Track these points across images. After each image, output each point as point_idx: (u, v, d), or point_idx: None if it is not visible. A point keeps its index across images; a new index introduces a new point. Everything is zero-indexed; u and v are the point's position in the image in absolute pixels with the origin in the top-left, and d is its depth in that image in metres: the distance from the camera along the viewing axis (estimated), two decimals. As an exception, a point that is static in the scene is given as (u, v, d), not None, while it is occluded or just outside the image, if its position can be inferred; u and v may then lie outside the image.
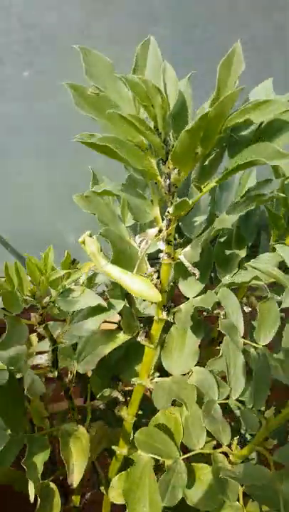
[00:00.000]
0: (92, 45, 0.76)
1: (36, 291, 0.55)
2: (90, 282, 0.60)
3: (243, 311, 0.70)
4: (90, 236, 0.56)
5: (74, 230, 0.84)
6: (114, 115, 0.45)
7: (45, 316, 0.58)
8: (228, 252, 0.63)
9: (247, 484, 0.60)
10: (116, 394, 0.69)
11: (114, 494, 0.69)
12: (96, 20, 0.77)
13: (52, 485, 0.64)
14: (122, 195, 0.52)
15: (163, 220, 0.54)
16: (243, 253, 0.62)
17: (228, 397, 0.61)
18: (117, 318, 0.67)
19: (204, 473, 0.64)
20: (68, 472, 0.57)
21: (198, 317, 0.65)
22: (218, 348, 0.69)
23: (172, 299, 0.66)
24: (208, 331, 0.71)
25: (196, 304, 0.58)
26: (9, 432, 0.57)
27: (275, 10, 0.82)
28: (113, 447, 0.70)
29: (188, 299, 0.64)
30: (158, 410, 0.66)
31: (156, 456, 0.63)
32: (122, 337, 0.63)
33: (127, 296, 0.64)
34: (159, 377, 0.65)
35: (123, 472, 0.69)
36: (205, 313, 0.68)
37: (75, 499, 0.71)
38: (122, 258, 0.57)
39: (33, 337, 0.70)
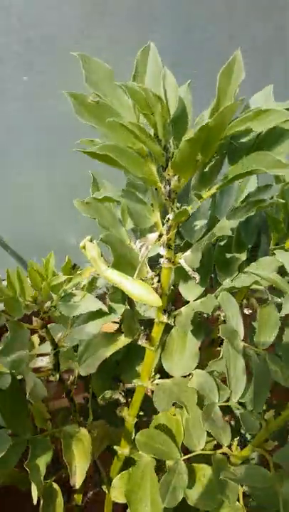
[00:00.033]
0: (91, 45, 0.77)
1: (38, 296, 0.55)
2: (91, 286, 0.61)
3: (244, 313, 0.71)
4: (91, 241, 0.56)
5: (74, 230, 0.84)
6: (115, 123, 0.45)
7: (46, 320, 0.59)
8: (228, 255, 0.63)
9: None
10: (117, 395, 0.69)
11: (116, 493, 0.70)
12: (96, 20, 0.77)
13: (55, 485, 0.65)
14: (122, 201, 0.52)
15: (163, 224, 0.55)
16: (243, 256, 0.63)
17: (228, 400, 0.62)
18: (118, 317, 0.68)
19: (205, 473, 0.65)
20: (71, 474, 0.58)
21: (199, 319, 0.65)
22: (218, 348, 0.70)
23: (173, 299, 0.67)
24: (208, 331, 0.72)
25: (196, 308, 0.59)
26: (11, 433, 0.58)
27: (275, 10, 0.82)
28: (115, 447, 0.71)
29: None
30: (159, 410, 0.67)
31: (157, 457, 0.64)
32: (123, 340, 0.63)
33: (127, 298, 0.65)
34: (159, 378, 0.66)
35: (125, 472, 0.70)
36: (205, 315, 0.69)
37: (78, 498, 0.72)
38: (123, 262, 0.58)
39: (35, 338, 0.71)
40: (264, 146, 0.49)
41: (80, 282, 0.58)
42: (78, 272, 0.57)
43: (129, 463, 0.72)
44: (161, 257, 0.56)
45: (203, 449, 0.65)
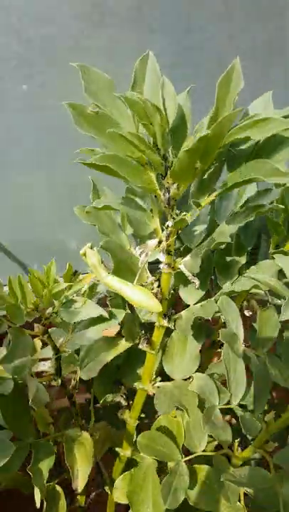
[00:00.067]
0: (91, 45, 0.78)
1: (39, 303, 0.56)
2: (92, 292, 0.61)
3: (244, 314, 0.72)
4: (91, 248, 0.57)
5: (75, 231, 0.85)
6: (114, 134, 0.46)
7: (48, 326, 0.59)
8: (228, 258, 0.64)
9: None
10: (118, 398, 0.70)
11: (118, 494, 0.71)
12: (96, 20, 0.77)
13: (58, 488, 0.66)
14: (122, 208, 0.53)
15: (163, 230, 0.56)
16: (243, 260, 0.64)
17: (229, 402, 0.63)
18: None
19: (206, 474, 0.66)
20: (73, 478, 0.59)
21: (199, 321, 0.66)
22: (219, 350, 0.71)
23: (173, 303, 0.68)
24: (209, 333, 0.73)
25: (196, 312, 0.60)
26: (13, 437, 0.59)
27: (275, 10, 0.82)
28: (117, 449, 0.72)
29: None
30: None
31: (158, 459, 0.65)
32: (124, 344, 0.64)
33: (128, 303, 0.65)
34: (161, 381, 0.67)
35: (127, 473, 0.71)
36: (206, 317, 0.69)
37: (81, 499, 0.73)
38: (123, 268, 0.59)
39: (37, 341, 0.72)
40: (263, 153, 0.49)
41: (81, 288, 0.59)
42: (79, 279, 0.58)
43: (131, 464, 0.73)
44: (161, 262, 0.57)
45: (204, 450, 0.66)
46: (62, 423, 0.73)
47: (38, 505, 0.58)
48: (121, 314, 0.62)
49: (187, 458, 0.65)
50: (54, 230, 0.82)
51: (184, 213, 0.53)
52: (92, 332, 0.61)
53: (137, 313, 0.65)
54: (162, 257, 0.56)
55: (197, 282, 0.57)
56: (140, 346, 0.63)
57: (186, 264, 0.57)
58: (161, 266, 0.57)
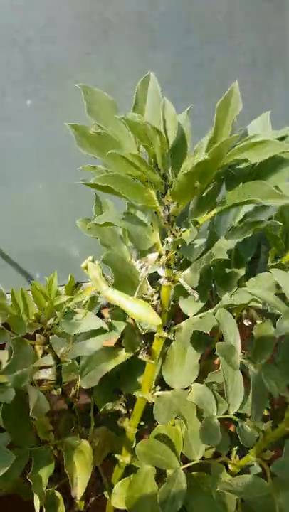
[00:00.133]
0: (93, 61, 0.80)
1: (41, 314, 0.59)
2: (92, 303, 0.64)
3: (243, 324, 0.74)
4: (92, 261, 0.60)
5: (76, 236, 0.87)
6: (115, 155, 0.48)
7: (49, 336, 0.62)
8: (227, 270, 0.66)
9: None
10: (118, 406, 0.73)
11: (117, 500, 0.73)
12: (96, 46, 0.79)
13: (57, 493, 0.68)
14: (123, 224, 0.55)
15: (163, 244, 0.58)
16: (242, 272, 0.66)
17: (227, 412, 0.65)
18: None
19: (204, 482, 0.68)
20: (72, 485, 0.62)
21: (199, 333, 0.68)
22: (218, 359, 0.73)
23: (173, 314, 0.70)
24: (208, 342, 0.75)
25: (196, 325, 0.62)
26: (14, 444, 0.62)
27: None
28: (116, 456, 0.75)
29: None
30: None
31: (157, 466, 0.67)
32: (124, 355, 0.67)
33: (128, 314, 0.68)
34: (160, 389, 0.70)
35: (126, 479, 0.74)
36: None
37: (80, 504, 0.76)
38: (124, 280, 0.61)
39: (38, 348, 0.74)
40: (261, 174, 0.52)
41: (82, 300, 0.62)
42: (80, 291, 0.60)
43: (130, 469, 0.76)
44: (161, 276, 0.59)
45: (202, 458, 0.68)
46: (62, 427, 0.75)
47: (37, 511, 0.60)
48: (121, 326, 0.64)
49: (185, 466, 0.68)
50: (56, 238, 0.84)
51: (184, 229, 0.56)
52: (93, 343, 0.63)
53: (137, 324, 0.67)
54: (162, 272, 0.59)
55: (196, 295, 0.60)
56: (140, 357, 0.65)
57: (186, 278, 0.60)
58: (160, 280, 0.59)
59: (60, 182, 0.80)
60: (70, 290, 0.60)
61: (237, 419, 0.66)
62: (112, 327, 0.64)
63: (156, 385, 0.70)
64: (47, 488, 0.63)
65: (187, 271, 0.60)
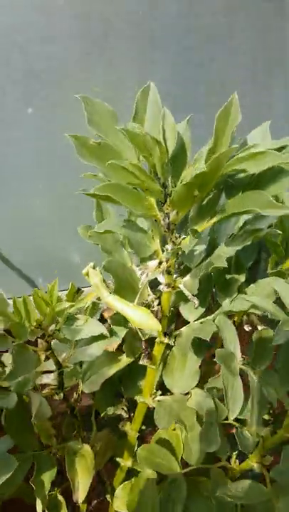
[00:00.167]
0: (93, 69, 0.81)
1: (43, 321, 0.60)
2: (94, 309, 0.65)
3: (244, 330, 0.75)
4: (94, 268, 0.60)
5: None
6: (115, 165, 0.49)
7: (51, 341, 0.63)
8: (227, 276, 0.67)
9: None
10: (120, 411, 0.74)
11: (119, 503, 0.74)
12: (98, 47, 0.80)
13: (59, 497, 0.70)
14: (123, 232, 0.56)
15: (163, 251, 0.59)
16: (242, 278, 0.67)
17: (226, 418, 0.66)
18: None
19: (204, 486, 0.69)
20: (74, 490, 0.63)
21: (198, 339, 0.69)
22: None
23: (174, 320, 0.71)
24: (209, 346, 0.76)
25: (195, 333, 0.63)
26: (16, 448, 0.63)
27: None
28: (118, 459, 0.76)
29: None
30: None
31: (157, 471, 0.68)
32: (125, 360, 0.68)
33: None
34: (161, 394, 0.70)
35: (127, 482, 0.75)
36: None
37: (82, 507, 0.77)
38: (125, 286, 0.62)
39: (41, 353, 0.75)
40: (260, 183, 0.52)
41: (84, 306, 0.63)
42: (81, 298, 0.61)
43: (132, 473, 0.77)
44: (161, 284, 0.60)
45: (202, 463, 0.69)
46: (64, 431, 0.76)
47: (39, 513, 0.62)
48: (122, 332, 0.65)
49: (185, 470, 0.69)
50: (58, 243, 0.85)
51: (184, 237, 0.57)
52: (94, 348, 0.64)
53: (137, 330, 0.68)
54: (162, 279, 0.59)
55: (196, 302, 0.60)
56: (141, 362, 0.66)
57: (186, 285, 0.61)
58: (161, 287, 0.60)
59: (61, 181, 0.80)
60: (72, 296, 0.61)
61: (236, 425, 0.67)
62: (113, 333, 0.65)
63: (157, 390, 0.71)
64: (50, 491, 0.64)
65: (187, 277, 0.61)
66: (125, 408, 0.75)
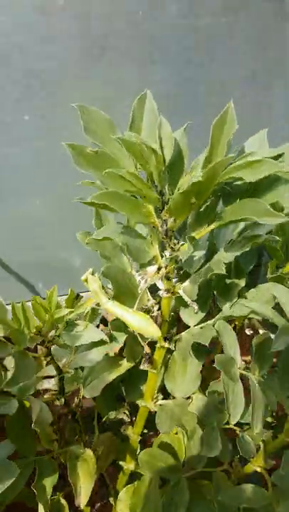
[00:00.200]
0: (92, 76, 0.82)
1: (42, 327, 0.60)
2: (93, 315, 0.65)
3: (245, 333, 0.75)
4: (92, 274, 0.61)
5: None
6: (112, 174, 0.49)
7: (50, 347, 0.63)
8: (227, 281, 0.67)
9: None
10: (121, 415, 0.75)
11: (122, 506, 0.75)
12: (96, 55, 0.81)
13: (62, 501, 0.70)
14: (122, 238, 0.57)
15: (162, 257, 0.59)
16: (242, 283, 0.67)
17: (227, 422, 0.66)
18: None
19: (206, 490, 0.70)
20: (76, 494, 0.63)
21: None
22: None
23: (174, 324, 0.72)
24: (210, 350, 0.76)
25: (195, 338, 0.63)
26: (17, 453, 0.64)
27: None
28: (120, 463, 0.77)
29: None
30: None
31: (159, 475, 0.69)
32: (126, 365, 0.68)
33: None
34: (163, 398, 0.71)
35: (130, 485, 0.76)
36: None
37: (85, 510, 0.78)
38: (124, 292, 0.63)
39: (42, 359, 0.76)
40: (257, 191, 0.53)
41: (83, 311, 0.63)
42: (80, 304, 0.62)
43: (135, 476, 0.77)
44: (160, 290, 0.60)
45: (205, 467, 0.70)
46: (66, 435, 0.77)
47: (41, 519, 0.62)
48: (122, 337, 0.66)
49: (188, 474, 0.69)
50: (57, 248, 0.85)
51: (182, 243, 0.57)
52: (94, 354, 0.65)
53: (137, 335, 0.69)
54: (161, 285, 0.60)
55: (196, 307, 0.61)
56: (141, 367, 0.66)
57: (186, 290, 0.61)
58: (160, 293, 0.61)
59: (61, 181, 0.81)
60: (71, 303, 0.61)
61: (237, 430, 0.67)
62: (112, 338, 0.65)
63: (158, 393, 0.71)
64: (52, 495, 0.65)
65: (187, 283, 0.61)
66: (127, 412, 0.75)
